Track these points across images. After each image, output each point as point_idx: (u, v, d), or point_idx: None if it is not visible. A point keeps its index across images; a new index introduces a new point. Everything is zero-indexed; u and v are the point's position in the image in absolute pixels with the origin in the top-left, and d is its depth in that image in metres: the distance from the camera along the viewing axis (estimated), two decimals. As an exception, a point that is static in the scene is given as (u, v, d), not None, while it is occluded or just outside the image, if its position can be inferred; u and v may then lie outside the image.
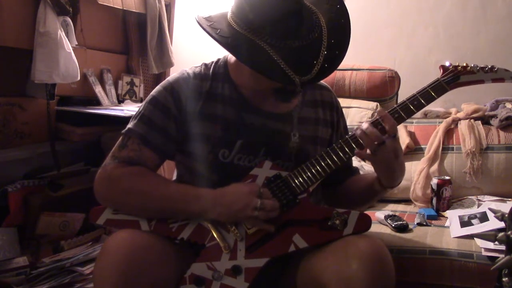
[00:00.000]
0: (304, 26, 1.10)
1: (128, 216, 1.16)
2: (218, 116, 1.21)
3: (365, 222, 1.14)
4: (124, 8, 2.18)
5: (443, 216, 1.74)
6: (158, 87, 1.24)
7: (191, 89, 1.21)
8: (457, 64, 1.24)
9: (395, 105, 1.21)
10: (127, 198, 1.15)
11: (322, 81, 1.38)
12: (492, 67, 1.24)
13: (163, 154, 1.22)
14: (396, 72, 2.16)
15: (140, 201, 1.15)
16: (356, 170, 1.41)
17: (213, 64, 1.27)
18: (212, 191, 1.13)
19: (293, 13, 1.09)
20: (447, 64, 1.25)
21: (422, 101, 1.18)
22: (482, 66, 1.25)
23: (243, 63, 1.13)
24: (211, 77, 1.24)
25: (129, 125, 1.21)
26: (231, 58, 1.26)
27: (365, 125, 1.13)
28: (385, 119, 1.13)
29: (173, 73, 1.28)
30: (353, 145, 1.17)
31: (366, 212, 1.77)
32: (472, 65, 1.24)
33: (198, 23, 1.12)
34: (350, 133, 1.21)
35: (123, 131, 1.22)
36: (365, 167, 1.83)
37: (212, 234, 1.12)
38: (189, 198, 1.13)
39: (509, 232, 1.03)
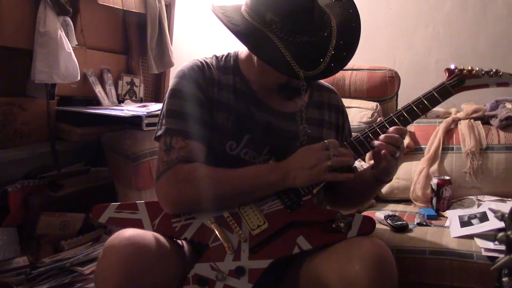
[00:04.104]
0: (315, 24, 1.13)
1: (130, 215, 1.16)
2: (231, 106, 1.21)
3: (369, 225, 1.14)
4: (124, 8, 2.17)
5: (443, 216, 1.74)
6: (174, 80, 1.22)
7: (207, 76, 1.21)
8: (462, 67, 1.25)
9: (400, 108, 1.22)
10: (206, 191, 1.12)
11: (328, 84, 1.40)
12: (497, 71, 1.24)
13: (206, 142, 1.19)
14: (396, 72, 2.16)
15: (219, 188, 1.13)
16: (355, 168, 1.42)
17: (224, 57, 1.27)
18: (279, 162, 1.15)
19: (305, 10, 1.11)
20: (452, 67, 1.25)
21: (428, 104, 1.20)
22: (487, 70, 1.25)
23: (250, 51, 1.15)
24: (223, 69, 1.24)
25: (163, 126, 1.18)
26: (242, 53, 1.27)
27: (391, 129, 1.16)
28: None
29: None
30: (358, 147, 1.18)
31: (366, 212, 1.79)
32: (477, 69, 1.24)
33: (213, 11, 1.14)
34: (354, 136, 1.21)
35: (159, 134, 1.19)
36: (364, 167, 1.83)
37: (216, 234, 1.12)
38: (265, 172, 1.14)
39: (509, 232, 1.03)
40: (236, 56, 1.28)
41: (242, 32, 1.11)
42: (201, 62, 1.23)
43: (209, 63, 1.24)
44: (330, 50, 1.13)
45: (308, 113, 1.27)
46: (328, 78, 1.20)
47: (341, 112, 1.37)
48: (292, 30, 1.10)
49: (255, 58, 1.20)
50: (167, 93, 1.22)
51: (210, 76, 1.21)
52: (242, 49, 1.27)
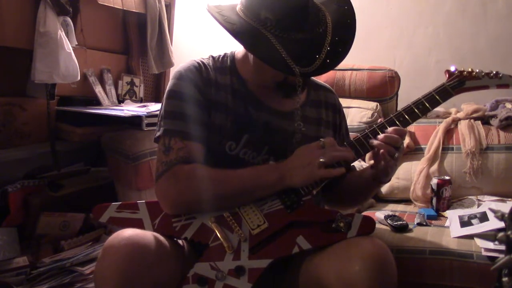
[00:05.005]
0: (310, 20, 1.13)
1: (131, 215, 1.16)
2: (229, 107, 1.21)
3: (369, 225, 1.14)
4: (124, 8, 2.18)
5: (443, 216, 1.74)
6: (172, 81, 1.23)
7: (204, 77, 1.22)
8: (462, 69, 1.25)
9: (400, 109, 1.22)
10: (206, 191, 1.12)
11: (325, 83, 1.39)
12: (497, 73, 1.25)
13: (205, 142, 1.19)
14: (396, 72, 2.16)
15: (219, 189, 1.13)
16: (352, 167, 1.42)
17: (220, 58, 1.28)
18: (278, 162, 1.16)
19: (299, 7, 1.12)
20: (452, 69, 1.26)
21: (428, 105, 1.21)
22: (487, 71, 1.25)
23: (246, 49, 1.16)
24: (220, 70, 1.25)
25: (162, 127, 1.19)
26: (238, 53, 1.28)
27: (390, 130, 1.16)
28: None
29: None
30: (358, 147, 1.18)
31: (366, 212, 1.79)
32: (477, 71, 1.25)
33: (208, 10, 1.15)
34: (354, 136, 1.21)
35: (157, 135, 1.20)
36: (364, 167, 1.83)
37: (216, 234, 1.12)
38: (264, 172, 1.15)
39: (509, 232, 1.03)
40: (232, 56, 1.28)
41: (237, 31, 1.11)
42: (198, 63, 1.24)
43: (206, 63, 1.24)
44: (326, 46, 1.13)
45: (306, 112, 1.27)
46: (324, 74, 1.21)
47: (338, 111, 1.38)
48: (287, 27, 1.10)
49: (251, 56, 1.20)
50: (165, 95, 1.22)
51: (207, 77, 1.22)
52: (238, 49, 1.28)
